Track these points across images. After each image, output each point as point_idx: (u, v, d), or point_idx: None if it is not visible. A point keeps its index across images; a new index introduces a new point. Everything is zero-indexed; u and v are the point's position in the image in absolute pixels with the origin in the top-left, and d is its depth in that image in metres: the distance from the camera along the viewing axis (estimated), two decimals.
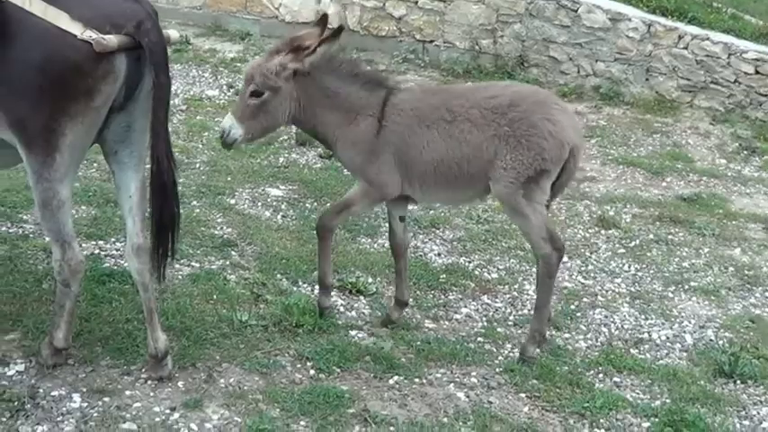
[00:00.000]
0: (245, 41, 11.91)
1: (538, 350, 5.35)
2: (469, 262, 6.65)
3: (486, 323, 5.80)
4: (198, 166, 8.02)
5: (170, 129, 4.57)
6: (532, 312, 5.55)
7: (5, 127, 4.25)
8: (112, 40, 4.13)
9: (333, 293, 5.71)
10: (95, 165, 7.72)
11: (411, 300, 5.78)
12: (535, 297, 5.47)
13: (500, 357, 5.38)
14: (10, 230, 6.27)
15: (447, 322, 5.75)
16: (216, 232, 6.60)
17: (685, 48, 10.52)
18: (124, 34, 4.18)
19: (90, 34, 4.09)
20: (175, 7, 12.55)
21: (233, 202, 7.20)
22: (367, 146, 5.11)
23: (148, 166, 4.49)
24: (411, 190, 5.20)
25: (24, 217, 6.46)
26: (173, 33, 4.68)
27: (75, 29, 4.10)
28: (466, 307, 5.97)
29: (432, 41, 11.57)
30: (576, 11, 10.84)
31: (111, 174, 4.75)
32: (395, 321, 5.55)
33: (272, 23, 12.16)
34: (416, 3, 11.57)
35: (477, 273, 6.49)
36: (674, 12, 10.83)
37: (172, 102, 4.72)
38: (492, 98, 5.11)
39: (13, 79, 4.14)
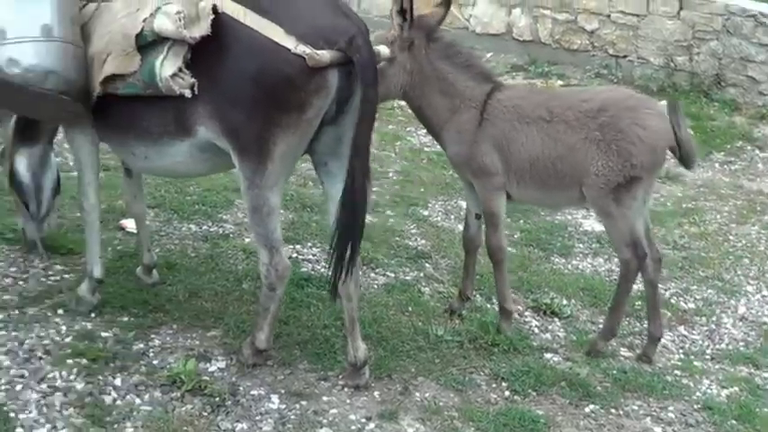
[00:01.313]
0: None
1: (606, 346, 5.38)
2: (665, 290, 6.44)
3: (682, 355, 5.62)
4: (391, 175, 8.10)
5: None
6: (727, 347, 5.47)
7: (221, 135, 4.38)
8: (325, 55, 4.18)
9: (527, 313, 5.68)
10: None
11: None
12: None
13: (698, 393, 5.18)
14: (211, 229, 6.48)
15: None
16: (410, 243, 6.65)
17: None
18: (336, 49, 4.22)
19: (303, 49, 4.15)
20: (367, 16, 12.70)
21: (426, 213, 7.25)
22: (470, 136, 5.19)
23: None
24: (509, 185, 5.24)
25: (224, 217, 6.67)
26: (383, 49, 4.68)
27: (289, 43, 4.17)
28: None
29: (625, 56, 11.33)
30: None
31: (320, 183, 4.84)
32: (455, 311, 5.59)
33: (462, 34, 12.13)
34: (609, 17, 11.36)
35: (673, 302, 6.31)
36: None
37: None
38: (585, 101, 5.13)
39: (228, 89, 4.27)
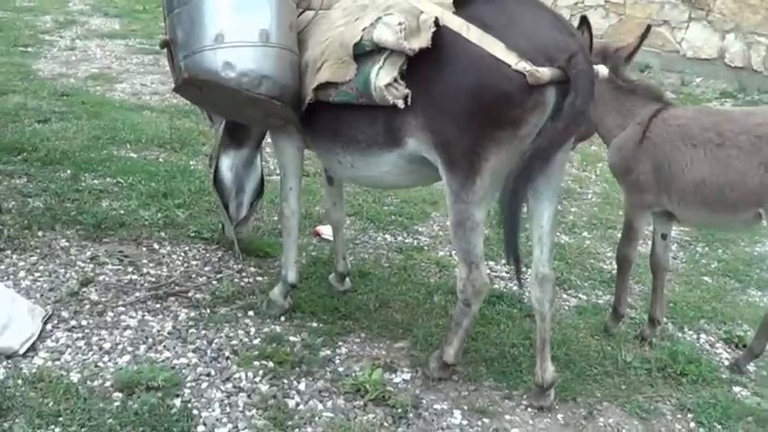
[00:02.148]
0: (644, 74, 11.68)
1: None
2: None
3: None
4: (590, 196, 7.97)
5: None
6: None
7: (431, 147, 4.35)
8: (546, 72, 4.09)
9: (718, 345, 5.48)
10: None
11: None
12: None
13: None
14: (406, 241, 6.55)
15: None
16: (604, 266, 6.50)
17: None
18: (557, 67, 4.12)
19: (524, 65, 4.07)
20: None
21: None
22: (629, 152, 5.11)
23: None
24: (670, 205, 5.06)
25: (420, 229, 6.73)
26: (602, 69, 4.52)
27: (510, 59, 4.10)
28: None
29: None
30: None
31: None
32: (646, 338, 5.42)
33: (673, 57, 11.87)
34: None
35: None
36: None
37: None
38: (761, 125, 4.82)
39: (443, 102, 4.24)
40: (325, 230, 6.28)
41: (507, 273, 6.13)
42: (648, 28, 5.17)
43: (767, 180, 4.77)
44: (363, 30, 4.38)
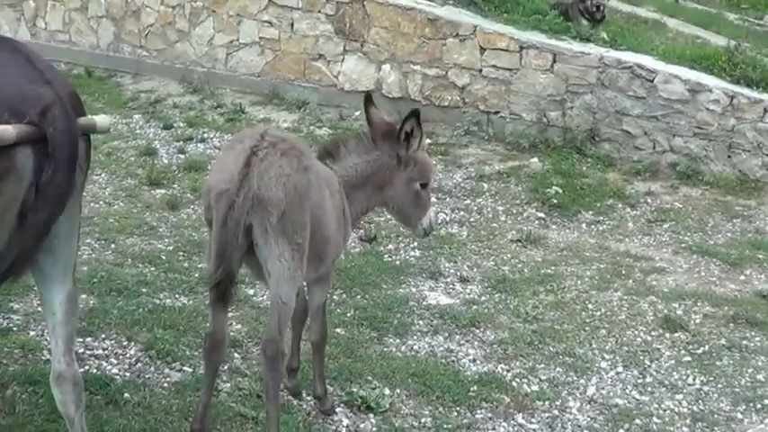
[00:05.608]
0: (302, 110, 11.33)
1: None
2: (508, 370, 5.85)
3: None
4: None
5: None
6: None
7: None
8: (8, 130, 3.41)
9: (338, 410, 5.10)
10: (113, 246, 7.18)
11: (429, 418, 5.03)
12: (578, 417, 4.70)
13: None
14: None
15: None
16: None
17: None
18: (26, 123, 3.47)
19: None
20: (233, 74, 12.13)
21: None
22: None
23: None
24: None
25: (16, 306, 5.90)
26: (100, 120, 3.91)
27: None
28: (494, 429, 5.16)
29: (497, 112, 10.81)
30: (652, 81, 9.98)
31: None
32: None
33: (331, 92, 11.60)
34: (480, 71, 10.86)
35: (515, 384, 5.68)
36: (760, 82, 9.94)
37: None
38: None
39: None
40: None
41: (104, 350, 5.43)
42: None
43: None
44: None
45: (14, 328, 5.63)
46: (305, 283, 4.88)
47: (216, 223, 4.17)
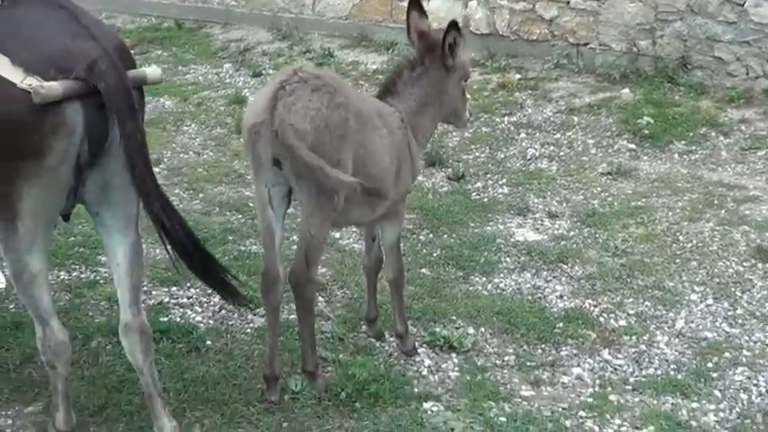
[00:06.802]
0: (390, 51, 11.30)
1: None
2: (595, 306, 5.83)
3: (597, 388, 4.97)
4: None
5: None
6: (656, 371, 4.92)
7: None
8: (55, 86, 3.48)
9: (421, 351, 5.19)
10: (201, 195, 7.35)
11: (512, 356, 5.09)
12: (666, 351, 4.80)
13: None
14: (81, 276, 5.94)
15: (550, 388, 4.94)
16: None
17: None
18: (74, 79, 3.53)
19: (30, 82, 3.47)
20: (321, 18, 12.17)
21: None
22: None
23: None
24: None
25: (103, 259, 6.10)
26: (151, 71, 3.96)
27: (16, 76, 3.50)
28: (579, 366, 5.16)
29: (586, 44, 10.63)
30: (743, 5, 9.63)
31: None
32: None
33: None
34: (568, 3, 10.66)
35: (602, 319, 5.67)
36: None
37: None
38: None
39: None
40: None
41: (189, 299, 5.60)
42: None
43: None
44: None
45: (101, 281, 5.82)
46: (379, 233, 4.96)
47: (248, 158, 4.29)
